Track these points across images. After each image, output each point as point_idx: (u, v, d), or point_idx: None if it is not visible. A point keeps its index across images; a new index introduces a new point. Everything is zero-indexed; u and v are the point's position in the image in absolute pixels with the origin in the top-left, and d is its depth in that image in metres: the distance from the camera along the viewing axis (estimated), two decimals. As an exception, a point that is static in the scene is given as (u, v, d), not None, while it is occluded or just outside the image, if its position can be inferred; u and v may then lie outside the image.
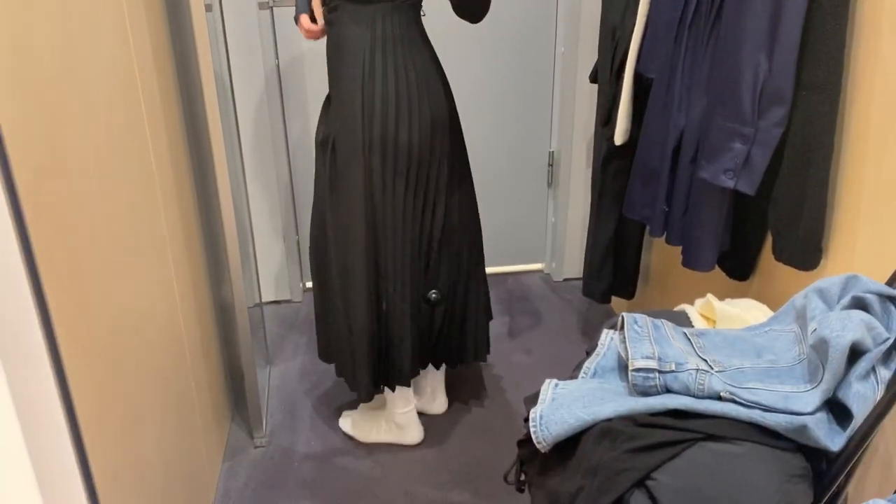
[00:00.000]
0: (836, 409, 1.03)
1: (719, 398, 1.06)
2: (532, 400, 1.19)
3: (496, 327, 2.56)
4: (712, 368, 1.09)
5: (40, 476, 0.87)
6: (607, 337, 1.26)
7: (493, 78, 2.64)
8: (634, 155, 1.80)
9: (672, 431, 1.04)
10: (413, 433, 2.04)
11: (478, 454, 2.01)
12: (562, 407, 1.13)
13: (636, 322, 1.19)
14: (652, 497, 1.01)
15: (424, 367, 2.00)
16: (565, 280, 2.90)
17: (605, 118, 2.02)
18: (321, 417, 2.15)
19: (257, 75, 2.47)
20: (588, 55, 2.53)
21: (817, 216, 1.39)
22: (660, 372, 1.09)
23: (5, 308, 0.83)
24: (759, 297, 1.59)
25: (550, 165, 2.80)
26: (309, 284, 2.79)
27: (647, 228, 1.81)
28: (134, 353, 1.28)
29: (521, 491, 1.26)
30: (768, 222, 1.49)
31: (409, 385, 1.93)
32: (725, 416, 1.04)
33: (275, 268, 2.75)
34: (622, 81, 1.82)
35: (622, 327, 1.19)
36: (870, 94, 1.27)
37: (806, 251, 1.42)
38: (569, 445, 1.12)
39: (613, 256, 2.18)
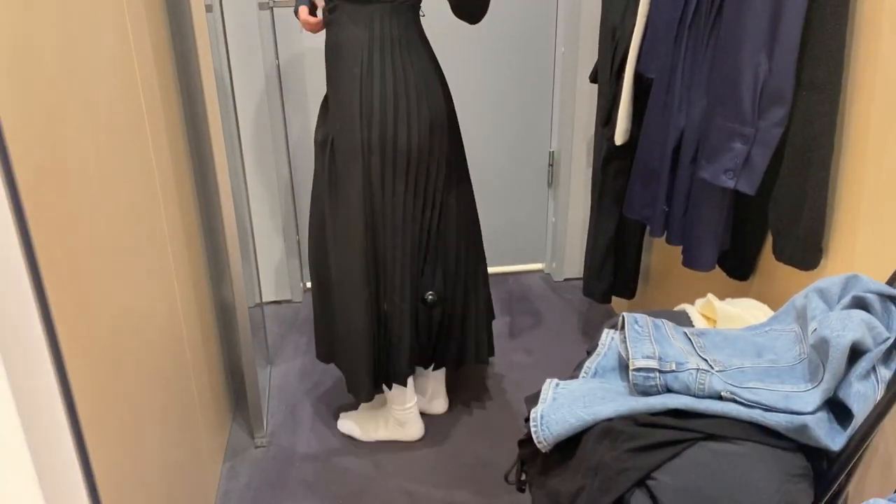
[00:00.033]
0: (837, 408, 1.04)
1: (720, 398, 1.06)
2: (533, 400, 1.19)
3: (497, 327, 2.56)
4: (713, 368, 1.09)
5: (42, 476, 0.87)
6: (608, 337, 1.26)
7: (493, 78, 2.64)
8: (635, 155, 1.80)
9: (673, 431, 1.04)
10: (414, 429, 2.04)
11: (478, 454, 2.01)
12: (562, 407, 1.13)
13: (637, 322, 1.19)
14: (653, 497, 1.01)
15: (424, 366, 2.00)
16: (566, 280, 2.90)
17: (606, 118, 2.02)
18: (322, 417, 2.15)
19: (257, 75, 2.47)
20: (588, 55, 2.53)
21: (817, 216, 1.39)
22: (660, 371, 1.09)
23: (7, 307, 0.83)
24: (760, 297, 1.59)
25: (551, 165, 2.81)
26: (309, 284, 2.79)
27: (648, 228, 1.81)
28: (134, 353, 1.28)
29: (522, 490, 1.26)
30: (768, 222, 1.49)
31: (405, 385, 1.93)
32: (726, 415, 1.04)
33: (275, 268, 2.75)
34: (622, 81, 1.83)
35: (623, 327, 1.19)
36: (870, 93, 1.28)
37: (806, 251, 1.42)
38: (569, 445, 1.13)
39: (614, 256, 2.18)
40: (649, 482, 1.02)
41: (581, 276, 2.46)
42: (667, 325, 1.20)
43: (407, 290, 1.83)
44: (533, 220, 2.91)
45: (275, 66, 2.48)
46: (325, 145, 1.79)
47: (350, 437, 2.06)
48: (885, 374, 1.01)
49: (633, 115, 1.84)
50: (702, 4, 1.50)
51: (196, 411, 1.72)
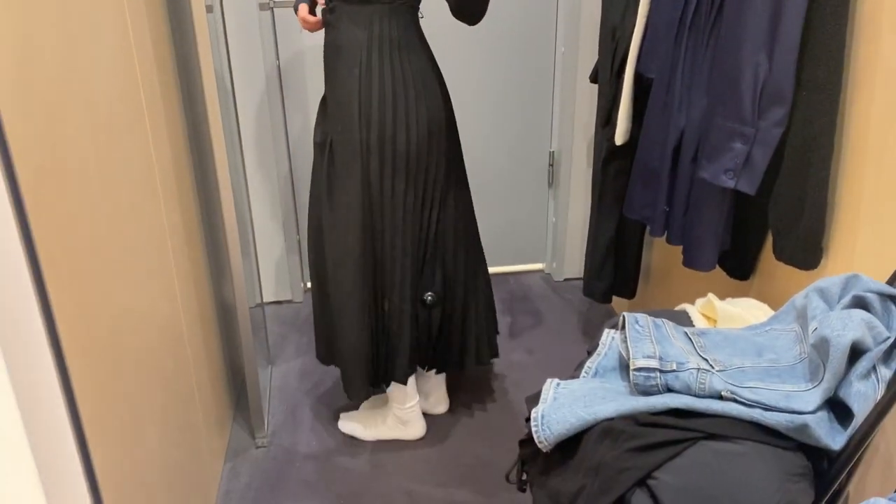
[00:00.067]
0: (837, 408, 1.04)
1: (720, 397, 1.06)
2: (533, 399, 1.20)
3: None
4: (713, 368, 1.09)
5: (44, 476, 0.88)
6: (608, 336, 1.26)
7: (493, 78, 2.64)
8: (635, 155, 1.80)
9: (673, 430, 1.04)
10: (416, 428, 2.04)
11: (479, 453, 2.01)
12: (563, 406, 1.13)
13: (637, 321, 1.19)
14: (653, 496, 1.01)
15: (423, 367, 2.00)
16: (566, 280, 2.91)
17: (606, 118, 2.02)
18: (323, 417, 2.15)
19: (258, 76, 2.47)
20: (588, 55, 2.53)
21: (818, 216, 1.39)
22: (661, 371, 1.09)
23: (8, 307, 0.83)
24: (760, 297, 1.59)
25: (551, 165, 2.81)
26: (310, 285, 2.80)
27: (648, 228, 1.81)
28: (135, 352, 1.28)
29: (523, 490, 1.27)
30: (769, 222, 1.49)
31: (405, 383, 1.93)
32: (726, 415, 1.04)
33: (276, 268, 2.75)
34: (622, 81, 1.83)
35: (623, 327, 1.20)
36: (870, 93, 1.28)
37: (806, 251, 1.42)
38: (570, 445, 1.13)
39: (614, 256, 2.18)
40: (650, 482, 1.02)
41: (581, 275, 2.46)
42: (667, 325, 1.20)
43: (407, 290, 1.83)
44: (533, 220, 2.91)
45: (275, 66, 2.48)
46: (324, 146, 1.80)
47: (351, 437, 2.07)
48: (885, 373, 1.01)
49: (634, 116, 1.84)
50: (702, 4, 1.50)
51: (197, 411, 1.72)
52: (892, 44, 1.22)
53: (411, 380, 1.97)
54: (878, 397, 0.99)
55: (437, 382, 2.13)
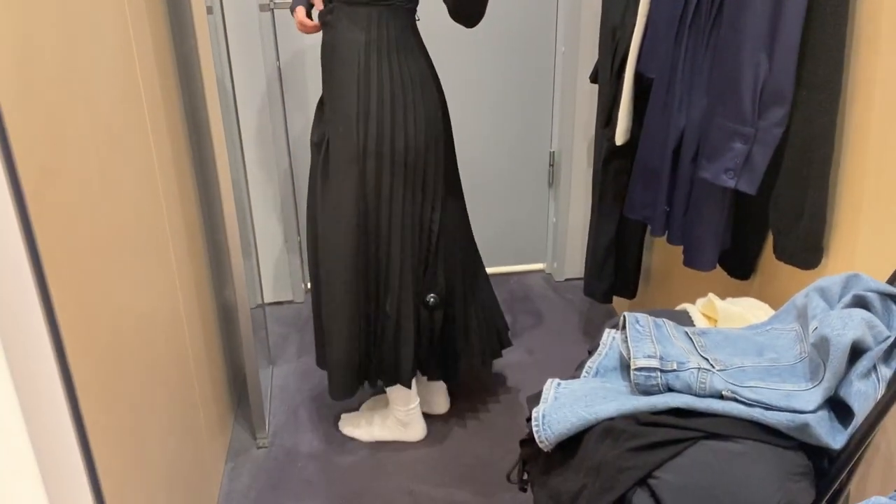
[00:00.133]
0: (838, 407, 1.04)
1: (721, 397, 1.06)
2: (534, 399, 1.20)
3: (498, 327, 2.57)
4: (714, 367, 1.09)
5: (46, 476, 0.88)
6: (609, 336, 1.26)
7: (493, 78, 2.64)
8: (635, 155, 1.81)
9: (674, 430, 1.05)
10: (417, 430, 2.04)
11: (480, 453, 2.01)
12: (564, 406, 1.14)
13: (638, 321, 1.19)
14: (654, 495, 1.01)
15: (424, 373, 1.99)
16: (567, 280, 2.91)
17: (606, 118, 2.02)
18: (324, 417, 2.15)
19: (258, 77, 2.47)
20: (589, 55, 2.54)
21: (818, 215, 1.39)
22: (662, 371, 1.09)
23: (11, 307, 0.83)
24: (761, 297, 1.59)
25: (551, 165, 2.81)
26: (310, 285, 2.80)
27: (649, 228, 1.81)
28: (137, 353, 1.28)
29: (524, 490, 1.27)
30: (769, 221, 1.49)
31: (409, 386, 1.93)
32: (727, 414, 1.05)
33: (277, 268, 2.76)
34: (623, 81, 1.83)
35: (624, 327, 1.20)
36: (870, 93, 1.28)
37: (807, 250, 1.42)
38: (571, 444, 1.13)
39: (615, 256, 2.18)
40: (651, 481, 1.02)
41: (582, 276, 2.46)
42: (668, 325, 1.20)
43: (409, 292, 1.83)
44: (534, 220, 2.91)
45: (275, 67, 2.48)
46: (321, 146, 1.80)
47: (352, 438, 2.07)
48: (885, 372, 1.02)
49: (634, 115, 1.85)
50: (702, 4, 1.50)
51: (198, 412, 1.72)
52: (891, 43, 1.22)
53: (412, 381, 1.97)
54: (879, 396, 1.00)
55: (437, 383, 2.13)
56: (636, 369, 1.10)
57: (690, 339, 1.18)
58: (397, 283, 1.82)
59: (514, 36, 2.59)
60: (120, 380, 1.18)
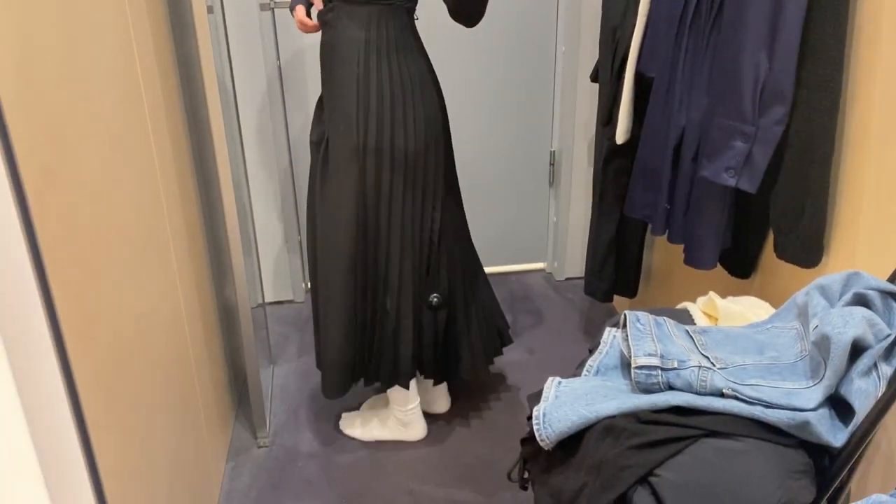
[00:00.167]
0: (839, 405, 1.04)
1: (722, 395, 1.06)
2: (535, 398, 1.20)
3: (498, 327, 2.57)
4: (714, 365, 1.10)
5: (48, 476, 0.88)
6: (610, 335, 1.26)
7: (494, 78, 2.65)
8: (636, 154, 1.81)
9: (675, 428, 1.05)
10: (417, 430, 2.04)
11: (481, 452, 2.01)
12: (565, 404, 1.14)
13: (639, 320, 1.19)
14: (655, 493, 1.02)
15: (424, 374, 1.98)
16: (567, 279, 2.91)
17: (607, 117, 2.03)
18: (324, 417, 2.15)
19: (259, 76, 2.47)
20: (589, 55, 2.54)
21: (818, 214, 1.39)
22: (662, 369, 1.09)
23: (12, 307, 0.83)
24: (761, 295, 1.60)
25: (552, 165, 2.81)
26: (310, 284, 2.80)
27: (649, 227, 1.81)
28: (138, 353, 1.29)
29: (525, 488, 1.27)
30: (770, 220, 1.49)
31: (407, 387, 1.93)
32: (728, 412, 1.05)
33: (277, 268, 2.76)
34: (623, 81, 1.83)
35: (624, 325, 1.20)
36: (870, 91, 1.28)
37: (807, 249, 1.42)
38: (572, 443, 1.13)
39: (615, 255, 2.18)
40: (652, 479, 1.03)
41: (582, 275, 2.47)
42: (669, 323, 1.20)
43: (408, 291, 1.83)
44: (534, 219, 2.91)
45: (276, 67, 2.49)
46: (320, 145, 1.80)
47: (352, 437, 2.07)
48: (886, 370, 1.02)
49: (634, 115, 1.85)
50: (702, 3, 1.50)
51: (199, 411, 1.72)
52: (892, 42, 1.22)
53: (412, 381, 1.97)
54: (879, 394, 1.00)
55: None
56: (637, 367, 1.10)
57: (691, 337, 1.18)
58: (396, 282, 1.82)
59: (514, 36, 2.59)
60: (121, 379, 1.18)
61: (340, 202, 1.76)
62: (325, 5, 1.72)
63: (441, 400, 2.14)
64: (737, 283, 1.76)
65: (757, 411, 1.03)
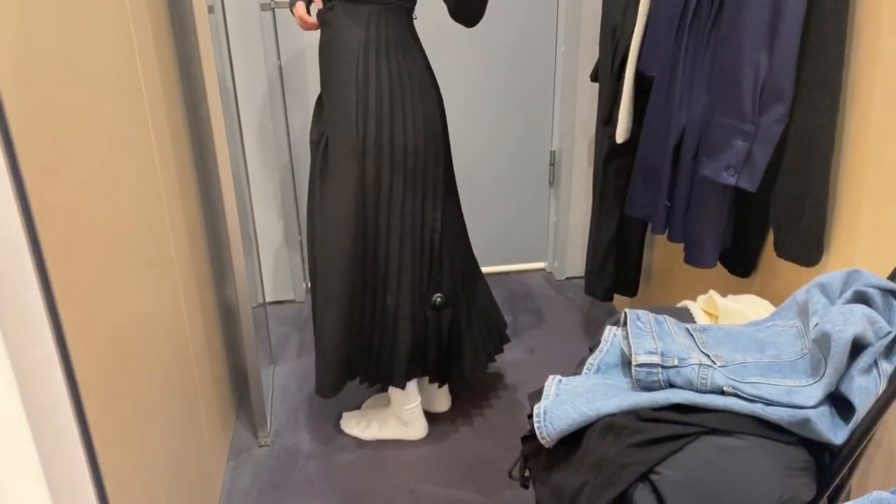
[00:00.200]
0: (839, 402, 1.04)
1: (722, 393, 1.06)
2: (536, 396, 1.20)
3: (499, 326, 2.57)
4: (715, 363, 1.10)
5: (49, 475, 0.88)
6: (610, 333, 1.26)
7: (494, 78, 2.65)
8: (636, 153, 1.81)
9: (675, 426, 1.05)
10: (418, 429, 2.04)
11: (481, 452, 2.01)
12: (565, 402, 1.14)
13: (639, 318, 1.19)
14: (656, 491, 1.02)
15: (428, 375, 1.98)
16: (567, 279, 2.91)
17: (607, 117, 2.03)
18: (325, 417, 2.15)
19: (259, 76, 2.48)
20: (589, 54, 2.54)
21: (818, 212, 1.39)
22: (663, 367, 1.10)
23: (14, 307, 0.83)
24: (761, 294, 1.60)
25: (552, 164, 2.81)
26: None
27: (649, 226, 1.81)
28: (139, 352, 1.29)
29: (526, 487, 1.27)
30: (770, 219, 1.49)
31: (402, 388, 1.93)
32: (728, 410, 1.05)
33: (278, 268, 2.76)
34: (623, 80, 1.83)
35: (625, 323, 1.20)
36: (870, 90, 1.28)
37: (807, 247, 1.43)
38: (573, 441, 1.13)
39: (615, 255, 2.19)
40: (652, 476, 1.03)
41: (583, 274, 2.47)
42: (669, 321, 1.20)
43: (407, 291, 1.83)
44: (534, 219, 2.91)
45: (277, 67, 2.49)
46: (319, 144, 1.80)
47: (353, 437, 2.07)
48: (886, 368, 1.02)
49: (634, 114, 1.85)
50: (702, 2, 1.50)
51: (200, 411, 1.72)
52: (892, 40, 1.22)
53: (413, 381, 1.97)
54: (880, 392, 1.00)
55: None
56: (637, 365, 1.10)
57: (692, 335, 1.18)
58: (395, 281, 1.82)
59: (514, 36, 2.60)
60: (122, 379, 1.18)
61: (340, 201, 1.76)
62: (324, 4, 1.72)
63: (442, 399, 2.14)
64: (737, 282, 1.76)
65: (757, 409, 1.03)
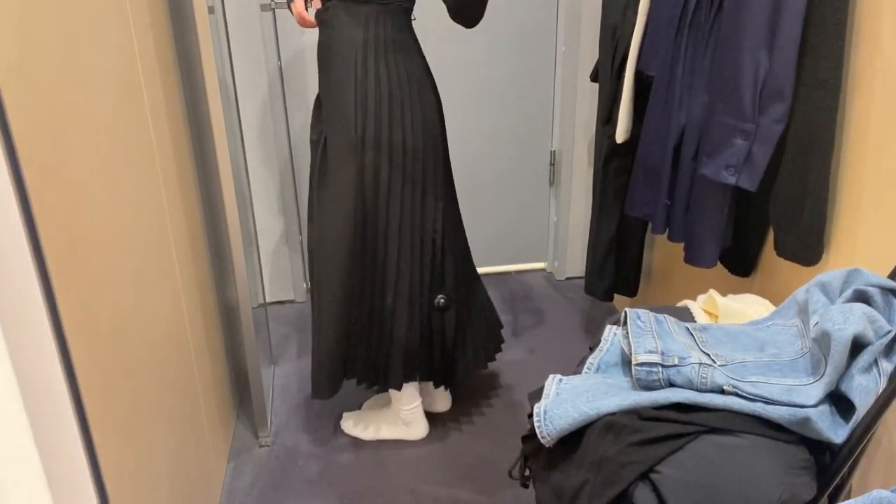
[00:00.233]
0: (839, 401, 1.04)
1: (722, 392, 1.06)
2: (536, 395, 1.20)
3: (499, 326, 2.57)
4: (715, 362, 1.10)
5: (50, 475, 0.88)
6: (610, 332, 1.26)
7: (494, 77, 2.65)
8: (636, 153, 1.81)
9: (675, 425, 1.05)
10: (419, 429, 2.04)
11: (481, 452, 2.01)
12: (565, 402, 1.14)
13: (639, 317, 1.19)
14: (656, 490, 1.02)
15: (432, 376, 1.96)
16: (568, 279, 2.91)
17: (607, 117, 2.03)
18: (325, 417, 2.15)
19: (260, 76, 2.48)
20: (589, 54, 2.54)
21: (818, 212, 1.39)
22: (663, 366, 1.10)
23: (15, 307, 0.83)
24: (762, 293, 1.60)
25: (552, 164, 2.81)
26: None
27: (649, 226, 1.81)
28: (140, 352, 1.29)
29: (526, 486, 1.27)
30: (770, 218, 1.49)
31: (399, 389, 1.93)
32: (728, 409, 1.05)
33: (278, 268, 2.76)
34: (623, 80, 1.83)
35: (625, 322, 1.20)
36: (870, 89, 1.28)
37: (808, 246, 1.43)
38: (573, 440, 1.13)
39: (615, 254, 2.19)
40: (652, 475, 1.03)
41: (583, 274, 2.47)
42: (669, 321, 1.20)
43: (404, 291, 1.82)
44: (534, 219, 2.91)
45: (277, 68, 2.49)
46: (318, 144, 1.80)
47: (354, 437, 2.07)
48: (886, 366, 1.02)
49: (634, 114, 1.85)
50: (702, 2, 1.50)
51: (200, 411, 1.72)
52: (892, 39, 1.22)
53: (413, 382, 1.97)
54: (880, 390, 1.00)
55: (439, 381, 2.13)
56: (637, 364, 1.10)
57: (692, 334, 1.18)
58: (394, 282, 1.81)
59: (514, 36, 2.60)
60: (122, 379, 1.18)
61: (338, 200, 1.76)
62: (322, 4, 1.72)
63: (442, 399, 2.14)
64: (737, 282, 1.76)
65: (758, 408, 1.03)
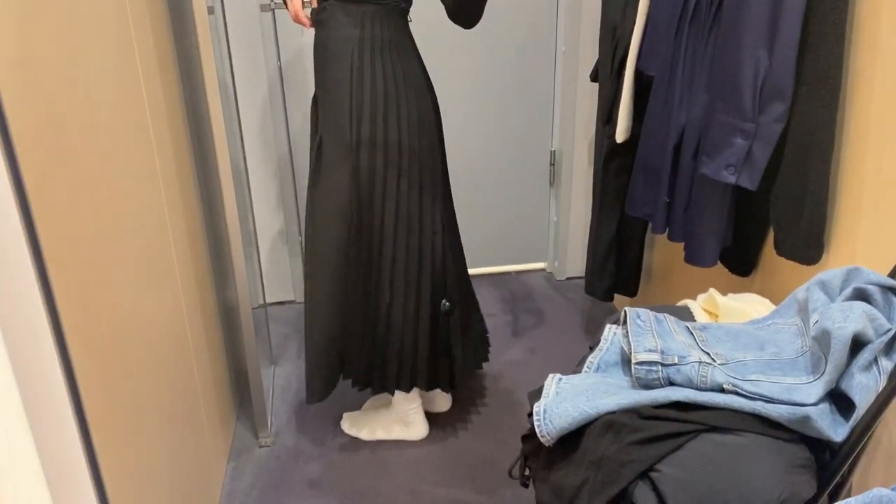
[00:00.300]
0: (839, 400, 1.04)
1: (722, 390, 1.06)
2: (536, 395, 1.20)
3: (499, 326, 2.57)
4: (715, 361, 1.10)
5: (49, 475, 0.88)
6: (610, 331, 1.26)
7: (494, 78, 2.65)
8: (636, 153, 1.81)
9: (675, 423, 1.05)
10: (419, 429, 2.04)
11: (481, 452, 2.01)
12: (565, 401, 1.14)
13: (639, 316, 1.19)
14: (655, 489, 1.02)
15: (424, 380, 1.93)
16: (568, 279, 2.91)
17: (607, 116, 2.03)
18: (325, 417, 2.15)
19: (260, 76, 2.48)
20: (589, 54, 2.54)
21: (818, 210, 1.39)
22: (663, 365, 1.10)
23: (15, 308, 0.83)
24: (762, 293, 1.60)
25: (552, 164, 2.81)
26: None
27: (649, 226, 1.81)
28: (140, 353, 1.29)
29: (526, 486, 1.27)
30: (770, 217, 1.49)
31: (392, 392, 1.92)
32: (728, 407, 1.05)
33: (278, 268, 2.76)
34: (623, 79, 1.83)
35: (625, 321, 1.20)
36: (870, 88, 1.28)
37: (808, 245, 1.43)
38: (572, 439, 1.13)
39: (616, 254, 2.19)
40: (652, 474, 1.03)
41: (583, 274, 2.46)
42: (669, 320, 1.20)
43: (400, 294, 1.82)
44: (535, 219, 2.91)
45: (277, 68, 2.49)
46: (314, 143, 1.80)
47: (354, 437, 2.07)
48: (886, 365, 1.02)
49: (634, 113, 1.85)
50: (702, 1, 1.50)
51: (200, 411, 1.72)
52: (891, 38, 1.22)
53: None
54: (880, 389, 1.00)
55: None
56: (637, 363, 1.10)
57: (692, 333, 1.18)
58: (389, 283, 1.81)
59: (514, 36, 2.60)
60: (122, 379, 1.18)
61: (333, 200, 1.76)
62: (319, 4, 1.72)
63: (442, 399, 2.14)
64: (737, 281, 1.76)
65: (758, 406, 1.03)
